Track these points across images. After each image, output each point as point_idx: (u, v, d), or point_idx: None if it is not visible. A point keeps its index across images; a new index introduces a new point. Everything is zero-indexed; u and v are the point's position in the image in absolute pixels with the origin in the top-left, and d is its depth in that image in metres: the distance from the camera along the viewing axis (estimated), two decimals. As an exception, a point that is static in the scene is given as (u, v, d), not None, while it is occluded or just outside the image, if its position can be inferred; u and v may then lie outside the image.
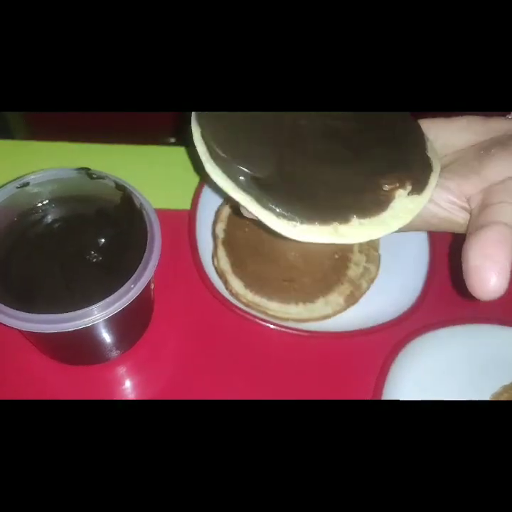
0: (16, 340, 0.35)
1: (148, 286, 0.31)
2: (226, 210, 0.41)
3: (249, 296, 0.38)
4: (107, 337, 0.33)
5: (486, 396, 0.36)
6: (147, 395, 0.36)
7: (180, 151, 0.48)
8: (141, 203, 0.32)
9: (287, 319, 0.38)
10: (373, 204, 0.25)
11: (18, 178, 0.33)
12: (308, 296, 0.38)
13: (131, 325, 0.35)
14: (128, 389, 0.36)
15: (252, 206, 0.25)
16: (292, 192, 0.25)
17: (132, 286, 0.29)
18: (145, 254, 0.30)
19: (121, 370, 0.37)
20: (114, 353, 0.36)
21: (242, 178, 0.25)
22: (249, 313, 0.37)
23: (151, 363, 0.37)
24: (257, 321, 0.37)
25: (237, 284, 0.38)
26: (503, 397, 0.36)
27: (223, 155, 0.25)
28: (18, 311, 0.28)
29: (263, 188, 0.25)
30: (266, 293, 0.38)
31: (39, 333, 0.28)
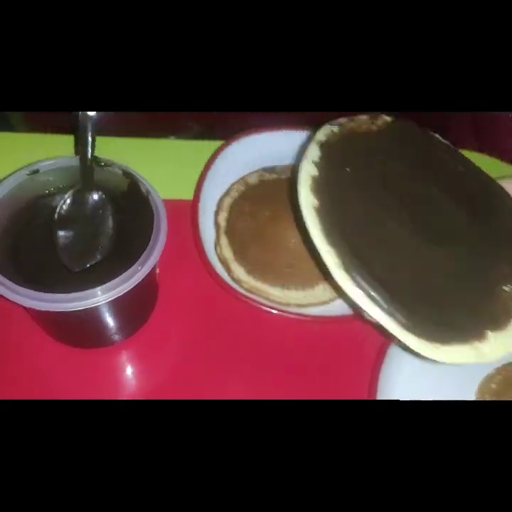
0: (22, 321, 0.36)
1: (153, 270, 0.32)
2: (228, 200, 0.43)
3: (251, 282, 0.39)
4: (112, 320, 0.34)
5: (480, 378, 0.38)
6: (150, 380, 0.37)
7: (182, 145, 0.49)
8: (147, 190, 0.33)
9: (289, 304, 0.39)
10: (503, 312, 0.25)
11: (25, 166, 0.34)
12: (308, 281, 0.39)
13: (136, 309, 0.36)
14: (131, 374, 0.37)
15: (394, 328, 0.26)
16: (427, 309, 0.25)
17: (139, 268, 0.30)
18: (151, 238, 0.31)
19: (126, 354, 0.38)
20: (119, 337, 0.37)
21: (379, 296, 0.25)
22: (251, 299, 0.38)
23: (154, 348, 0.38)
24: (259, 306, 0.38)
25: (239, 271, 0.39)
26: (497, 379, 0.37)
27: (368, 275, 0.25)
28: (26, 289, 0.28)
29: (407, 310, 0.25)
30: (267, 279, 0.39)
31: (45, 312, 0.29)
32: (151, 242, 0.31)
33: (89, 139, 0.31)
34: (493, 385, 0.36)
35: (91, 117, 0.31)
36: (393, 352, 0.37)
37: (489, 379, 0.37)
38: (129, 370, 0.37)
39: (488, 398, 0.36)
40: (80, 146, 0.32)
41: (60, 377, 0.37)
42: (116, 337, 0.36)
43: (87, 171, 0.32)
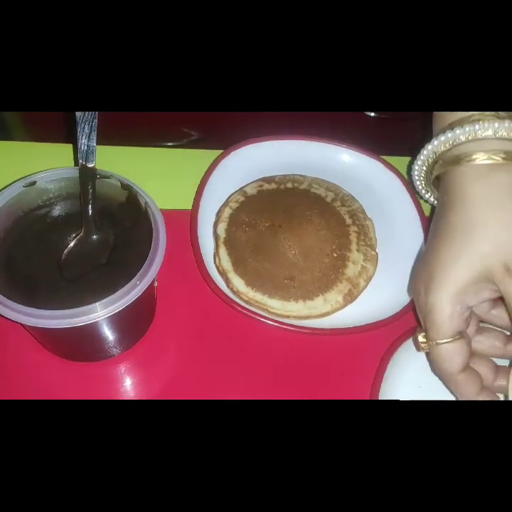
0: (19, 336, 0.36)
1: (152, 284, 0.32)
2: (227, 211, 0.42)
3: (250, 293, 0.39)
4: (110, 334, 0.34)
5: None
6: (149, 393, 0.37)
7: (180, 153, 0.49)
8: (146, 202, 0.33)
9: (288, 316, 0.38)
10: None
11: (23, 177, 0.34)
12: (308, 293, 0.39)
13: (134, 322, 0.36)
14: (130, 386, 0.37)
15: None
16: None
17: (137, 283, 0.30)
18: (150, 252, 0.31)
19: (124, 367, 0.37)
20: (117, 350, 0.36)
21: None
22: (250, 311, 0.38)
23: (153, 360, 0.38)
24: (259, 318, 0.38)
25: (238, 282, 0.39)
26: None
27: None
28: (22, 306, 0.28)
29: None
30: (267, 290, 0.39)
31: (43, 328, 0.29)
32: (149, 256, 0.31)
33: (90, 191, 0.32)
34: None
35: (91, 169, 0.32)
36: (393, 368, 0.37)
37: None
38: (127, 383, 0.37)
39: None
40: (82, 200, 0.32)
41: (56, 391, 0.36)
42: (115, 351, 0.36)
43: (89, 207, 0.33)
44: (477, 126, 0.31)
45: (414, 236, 0.43)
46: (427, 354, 0.33)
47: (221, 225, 0.41)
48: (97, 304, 0.29)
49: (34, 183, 0.33)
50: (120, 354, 0.37)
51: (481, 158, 0.30)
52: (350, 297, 0.40)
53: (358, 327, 0.38)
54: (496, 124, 0.30)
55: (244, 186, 0.44)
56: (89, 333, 0.32)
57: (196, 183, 0.44)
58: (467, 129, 0.31)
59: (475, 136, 0.31)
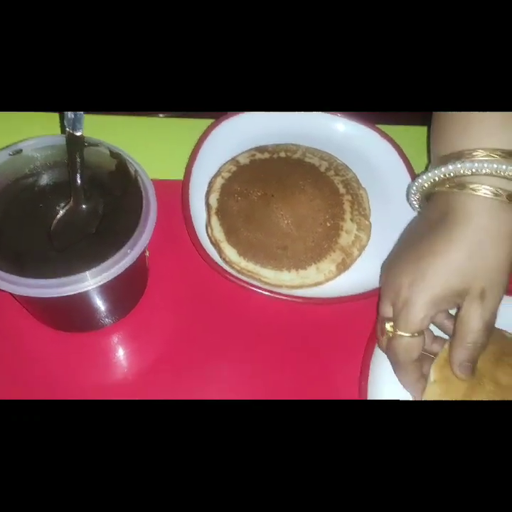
0: (10, 307, 0.36)
1: (143, 253, 0.31)
2: (219, 181, 0.42)
3: (242, 263, 0.38)
4: (101, 304, 0.34)
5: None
6: (141, 363, 0.37)
7: (172, 123, 0.48)
8: (135, 170, 0.32)
9: (281, 286, 0.38)
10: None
11: (8, 146, 0.33)
12: (300, 263, 0.39)
13: (126, 292, 0.36)
14: (123, 357, 0.37)
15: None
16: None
17: (128, 251, 0.30)
18: (140, 220, 0.31)
19: (117, 337, 0.37)
20: (109, 321, 0.36)
21: None
22: (243, 281, 0.38)
23: (145, 330, 0.38)
24: (251, 287, 0.38)
25: (230, 252, 0.39)
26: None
27: None
28: (13, 276, 0.28)
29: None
30: (259, 260, 0.39)
31: (34, 297, 0.29)
32: (140, 225, 0.31)
33: (78, 160, 0.31)
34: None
35: (79, 137, 0.31)
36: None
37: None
38: (120, 353, 0.37)
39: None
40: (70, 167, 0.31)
41: (50, 361, 0.36)
42: (107, 321, 0.36)
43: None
44: (477, 164, 0.32)
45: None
46: (388, 340, 0.34)
47: (213, 195, 0.41)
48: (86, 273, 0.28)
49: (20, 151, 0.32)
50: (113, 324, 0.37)
51: (485, 191, 0.32)
52: (343, 266, 0.40)
53: (350, 296, 0.38)
54: (496, 165, 0.32)
55: (237, 156, 0.43)
56: (80, 303, 0.32)
57: (188, 153, 0.43)
58: (468, 165, 0.33)
59: (477, 171, 0.32)
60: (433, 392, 0.34)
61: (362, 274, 0.40)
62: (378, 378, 0.36)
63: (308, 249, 0.39)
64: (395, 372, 0.35)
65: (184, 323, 0.38)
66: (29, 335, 0.36)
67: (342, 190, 0.42)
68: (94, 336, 0.37)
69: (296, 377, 0.37)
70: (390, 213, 0.43)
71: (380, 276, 0.38)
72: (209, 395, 0.36)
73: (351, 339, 0.38)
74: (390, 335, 0.34)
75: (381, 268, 0.38)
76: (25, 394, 0.34)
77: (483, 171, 0.32)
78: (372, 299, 0.38)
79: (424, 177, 0.36)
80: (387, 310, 0.35)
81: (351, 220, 0.41)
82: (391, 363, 0.35)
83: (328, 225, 0.40)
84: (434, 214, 0.35)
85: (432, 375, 0.35)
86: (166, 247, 0.40)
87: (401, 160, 0.45)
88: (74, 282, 0.28)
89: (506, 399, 0.33)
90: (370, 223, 0.42)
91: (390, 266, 0.36)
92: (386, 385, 0.36)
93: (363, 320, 0.38)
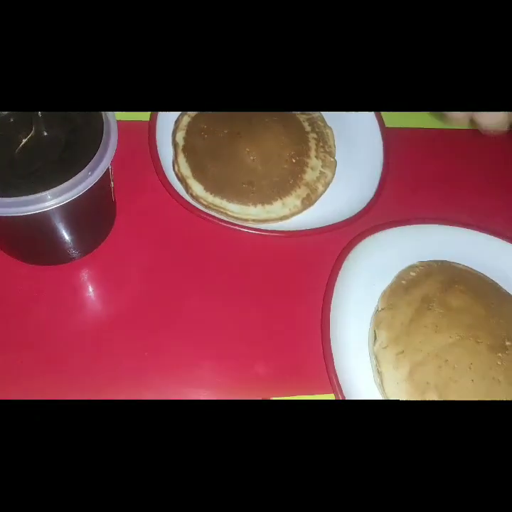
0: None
1: (106, 178, 0.32)
2: (185, 119, 0.42)
3: (209, 198, 0.39)
4: (67, 230, 0.34)
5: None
6: (111, 296, 0.38)
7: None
8: (96, 97, 0.32)
9: (247, 220, 0.39)
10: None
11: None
12: (266, 198, 0.40)
13: (91, 222, 0.36)
14: (91, 290, 0.37)
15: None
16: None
17: (89, 174, 0.30)
18: (101, 144, 0.31)
19: (85, 270, 0.38)
20: (77, 253, 0.37)
21: None
22: (209, 215, 0.38)
23: (114, 264, 0.38)
24: (218, 222, 0.38)
25: (197, 188, 0.39)
26: (418, 270, 0.38)
27: None
28: None
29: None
30: (225, 195, 0.39)
31: (-1, 223, 0.29)
32: (100, 149, 0.31)
33: None
34: (413, 273, 0.38)
35: None
36: (348, 266, 0.39)
37: (411, 267, 0.39)
38: (89, 287, 0.38)
39: (403, 283, 0.37)
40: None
41: (20, 297, 0.37)
42: (74, 253, 0.37)
43: None
44: None
45: (372, 146, 0.44)
46: None
47: (180, 133, 0.41)
48: (47, 192, 0.29)
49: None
50: (81, 258, 0.37)
51: None
52: (308, 201, 0.40)
53: (314, 229, 0.39)
54: None
55: (204, 96, 0.43)
56: (45, 227, 0.33)
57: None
58: None
59: None
60: (382, 318, 0.36)
61: (327, 209, 0.41)
62: (340, 305, 0.37)
63: (274, 185, 0.40)
64: None
65: (152, 256, 0.39)
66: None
67: (307, 128, 0.42)
68: (64, 268, 0.37)
69: (264, 305, 0.38)
70: (356, 152, 0.43)
71: None
72: (181, 325, 0.37)
73: (315, 270, 0.39)
74: None
75: None
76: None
77: None
78: (336, 231, 0.39)
79: None
80: None
81: (316, 157, 0.41)
82: None
83: (294, 161, 0.41)
84: None
85: (380, 305, 0.37)
86: (133, 185, 0.40)
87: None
88: (35, 201, 0.29)
89: (457, 320, 0.35)
90: (336, 160, 0.42)
91: None
92: (348, 313, 0.38)
93: (326, 252, 0.39)
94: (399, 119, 0.47)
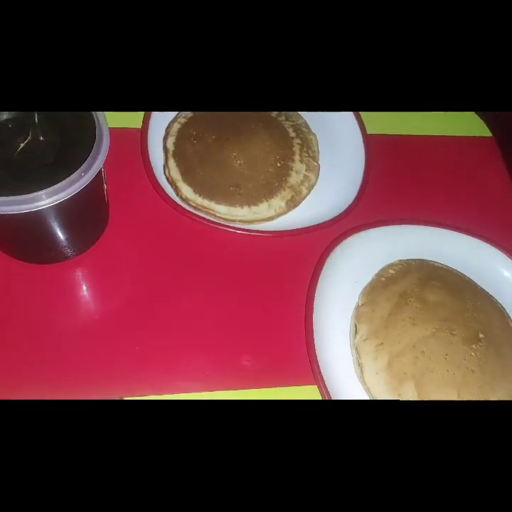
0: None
1: (99, 179, 0.34)
2: (176, 126, 0.44)
3: (198, 200, 0.41)
4: (62, 229, 0.35)
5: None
6: (104, 294, 0.39)
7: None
8: (89, 103, 0.34)
9: (234, 221, 0.41)
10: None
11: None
12: (252, 199, 0.41)
13: (85, 221, 0.38)
14: (85, 288, 0.39)
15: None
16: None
17: (82, 174, 0.32)
18: (93, 148, 0.33)
19: (79, 269, 0.40)
20: (71, 252, 0.38)
21: None
22: (198, 216, 0.40)
23: (107, 263, 0.40)
24: (206, 222, 0.40)
25: (186, 190, 0.41)
26: (397, 267, 0.40)
27: None
28: None
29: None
30: (214, 197, 0.41)
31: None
32: (93, 152, 0.33)
33: None
34: (392, 271, 0.40)
35: None
36: (331, 264, 0.40)
37: (390, 266, 0.40)
38: (82, 285, 0.39)
39: (383, 280, 0.39)
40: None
41: (11, 293, 0.38)
42: (68, 252, 0.38)
43: None
44: None
45: (355, 151, 0.46)
46: None
47: (170, 139, 0.43)
48: (42, 192, 0.30)
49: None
50: (77, 256, 0.39)
51: None
52: (292, 203, 0.42)
53: (299, 229, 0.41)
54: None
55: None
56: (40, 227, 0.34)
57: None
58: None
59: None
60: (362, 312, 0.37)
61: (310, 211, 0.43)
62: (323, 301, 0.39)
63: (260, 187, 0.42)
64: None
65: (144, 255, 0.40)
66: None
67: (292, 134, 0.44)
68: (56, 267, 0.39)
69: (252, 300, 0.40)
70: (338, 157, 0.46)
71: None
72: (171, 321, 0.38)
73: (300, 268, 0.41)
74: None
75: None
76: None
77: None
78: (319, 232, 0.41)
79: None
80: None
81: (300, 161, 0.44)
82: None
83: (279, 165, 0.43)
84: None
85: (361, 300, 0.38)
86: (126, 189, 0.42)
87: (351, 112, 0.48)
88: (30, 201, 0.30)
89: (433, 314, 0.36)
90: (319, 165, 0.44)
91: None
92: (331, 307, 0.39)
93: (310, 251, 0.41)
94: (380, 126, 0.49)
